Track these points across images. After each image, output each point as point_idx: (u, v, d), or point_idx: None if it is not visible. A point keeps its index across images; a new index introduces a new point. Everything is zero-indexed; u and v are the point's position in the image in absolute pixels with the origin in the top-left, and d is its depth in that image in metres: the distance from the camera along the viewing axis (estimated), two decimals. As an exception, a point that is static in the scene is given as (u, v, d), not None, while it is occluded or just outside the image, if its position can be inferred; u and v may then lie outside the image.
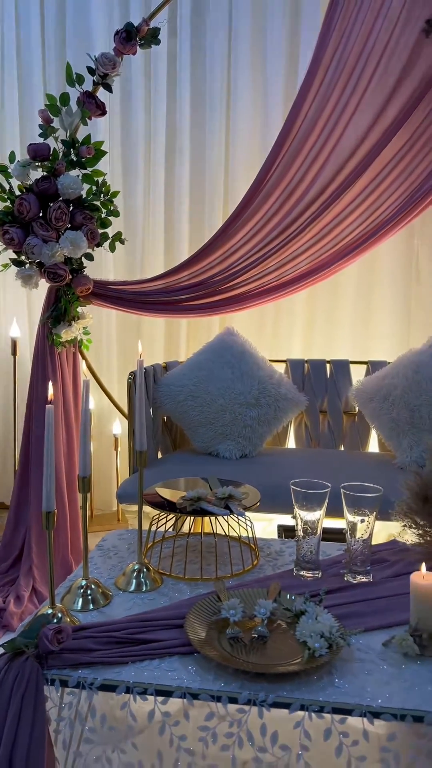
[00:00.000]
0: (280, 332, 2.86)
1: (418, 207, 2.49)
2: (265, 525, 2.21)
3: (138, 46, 2.41)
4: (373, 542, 1.44)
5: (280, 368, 2.57)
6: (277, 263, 2.59)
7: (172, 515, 1.45)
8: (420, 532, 1.49)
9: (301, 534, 1.40)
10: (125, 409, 2.66)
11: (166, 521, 1.49)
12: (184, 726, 1.01)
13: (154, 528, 1.51)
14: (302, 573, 1.39)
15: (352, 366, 2.55)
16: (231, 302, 2.63)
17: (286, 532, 2.13)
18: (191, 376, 2.38)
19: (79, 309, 2.44)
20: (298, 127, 2.44)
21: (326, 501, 1.38)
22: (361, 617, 1.22)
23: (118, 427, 2.85)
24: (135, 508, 2.97)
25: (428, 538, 1.48)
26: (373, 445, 2.52)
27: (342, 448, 2.51)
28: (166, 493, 1.54)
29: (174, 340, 3.00)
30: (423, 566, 1.13)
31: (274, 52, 2.74)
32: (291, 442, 2.58)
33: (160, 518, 1.51)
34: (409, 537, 1.50)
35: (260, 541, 1.59)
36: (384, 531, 2.29)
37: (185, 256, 2.77)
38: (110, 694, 1.02)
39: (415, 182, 2.48)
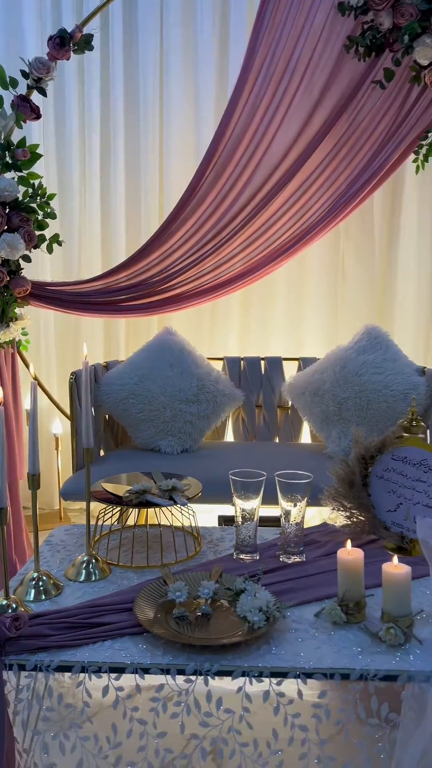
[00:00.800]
0: (217, 331, 2.97)
1: (343, 212, 2.65)
2: (206, 516, 2.32)
3: (71, 52, 2.45)
4: (306, 526, 1.57)
5: (218, 366, 2.67)
6: (213, 265, 2.69)
7: (119, 508, 1.53)
8: (347, 514, 1.63)
9: (240, 520, 1.51)
10: (65, 409, 2.70)
11: (113, 515, 1.56)
12: (137, 699, 1.10)
13: (100, 522, 1.58)
14: (241, 556, 1.50)
15: (284, 362, 2.68)
16: (169, 302, 2.71)
17: (225, 521, 2.25)
18: (132, 375, 2.45)
19: (17, 310, 2.46)
20: (229, 135, 2.55)
21: (262, 489, 1.49)
22: (295, 592, 1.34)
23: (59, 426, 2.88)
24: (77, 506, 3.03)
25: (355, 519, 1.63)
26: (305, 437, 2.67)
27: (277, 440, 2.65)
28: (111, 487, 1.62)
29: (113, 339, 3.06)
30: (348, 543, 1.26)
31: (205, 61, 2.84)
32: (229, 436, 2.70)
33: (106, 512, 1.58)
34: (338, 519, 1.65)
35: (202, 530, 1.69)
36: (318, 516, 2.45)
37: (123, 258, 2.83)
38: (66, 675, 1.09)
39: (340, 188, 2.63)
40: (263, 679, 1.08)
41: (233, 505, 1.50)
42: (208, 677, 1.08)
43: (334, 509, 1.63)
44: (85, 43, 2.50)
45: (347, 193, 2.62)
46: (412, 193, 2.83)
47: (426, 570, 1.28)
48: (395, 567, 1.17)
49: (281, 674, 1.08)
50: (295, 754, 1.08)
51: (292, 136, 2.58)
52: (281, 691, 1.08)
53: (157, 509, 1.54)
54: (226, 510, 2.30)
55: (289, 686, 1.09)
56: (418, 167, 2.61)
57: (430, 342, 2.88)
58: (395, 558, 1.19)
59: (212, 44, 2.83)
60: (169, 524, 1.60)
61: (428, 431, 2.32)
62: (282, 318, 2.93)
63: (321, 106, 2.57)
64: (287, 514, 1.50)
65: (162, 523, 1.62)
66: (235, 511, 1.50)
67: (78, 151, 2.93)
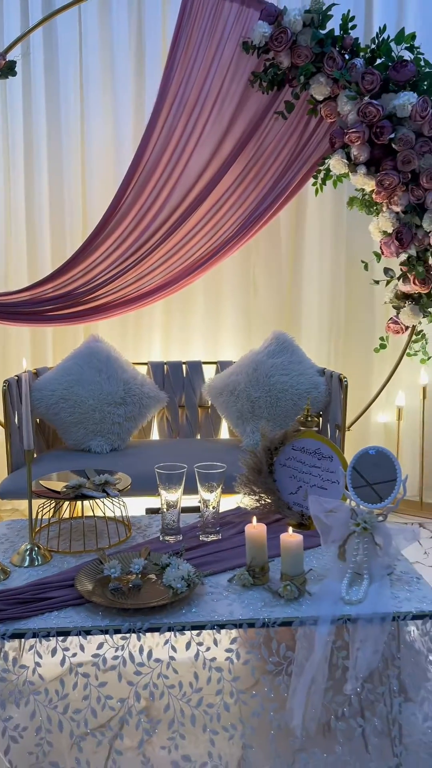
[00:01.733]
0: (141, 337, 3.18)
1: (253, 229, 2.93)
2: (134, 509, 2.53)
3: (-4, 78, 2.60)
4: (223, 509, 1.82)
5: (143, 370, 2.89)
6: (135, 277, 2.91)
7: (58, 502, 1.73)
8: (256, 497, 1.90)
9: (165, 507, 1.74)
10: (-2, 415, 2.84)
11: (51, 509, 1.76)
12: (81, 656, 1.31)
13: (40, 516, 1.77)
14: (167, 538, 1.74)
15: (204, 366, 2.94)
16: (94, 312, 2.90)
17: (152, 513, 2.47)
18: (61, 380, 2.63)
19: None
20: (147, 157, 2.77)
21: (183, 479, 1.73)
22: (212, 564, 1.59)
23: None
24: (9, 506, 3.16)
25: (263, 502, 1.90)
26: (224, 433, 2.94)
27: (198, 437, 2.90)
28: (49, 484, 1.81)
29: (40, 347, 3.21)
30: (254, 519, 1.53)
31: (123, 86, 3.03)
32: (155, 434, 2.92)
33: (45, 506, 1.77)
34: (249, 503, 1.91)
35: (132, 519, 1.91)
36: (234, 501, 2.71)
37: (49, 270, 2.99)
38: (19, 642, 1.29)
39: (249, 207, 2.91)
40: (185, 632, 1.32)
41: (159, 495, 1.73)
42: (140, 634, 1.31)
43: (245, 494, 1.90)
44: (8, 69, 2.65)
45: (256, 211, 2.90)
46: (313, 212, 3.16)
47: (318, 541, 1.56)
48: (290, 536, 1.44)
49: (200, 627, 1.32)
50: (213, 691, 1.33)
51: (205, 160, 2.83)
52: (200, 641, 1.33)
53: (91, 501, 1.75)
54: (153, 503, 2.52)
55: (207, 637, 1.34)
56: (317, 190, 2.93)
57: (332, 344, 3.22)
58: (290, 529, 1.47)
59: (129, 71, 3.04)
60: (102, 515, 1.81)
61: (328, 423, 2.65)
62: (201, 325, 3.18)
63: (230, 133, 2.83)
64: (205, 500, 1.75)
65: (96, 515, 1.83)
66: (161, 500, 1.74)
67: (3, 170, 3.06)
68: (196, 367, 2.92)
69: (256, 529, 1.49)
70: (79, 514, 1.86)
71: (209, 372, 2.94)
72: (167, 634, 1.32)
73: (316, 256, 3.17)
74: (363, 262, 3.06)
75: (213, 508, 1.75)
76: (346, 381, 2.51)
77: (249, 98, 2.82)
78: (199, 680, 1.33)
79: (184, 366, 2.93)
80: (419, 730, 1.44)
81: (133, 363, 2.86)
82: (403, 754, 1.41)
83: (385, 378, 3.15)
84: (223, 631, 1.34)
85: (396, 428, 3.34)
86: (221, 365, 2.93)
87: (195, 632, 1.33)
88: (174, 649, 1.32)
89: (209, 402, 2.86)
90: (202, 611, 1.36)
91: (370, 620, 1.34)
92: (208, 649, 1.33)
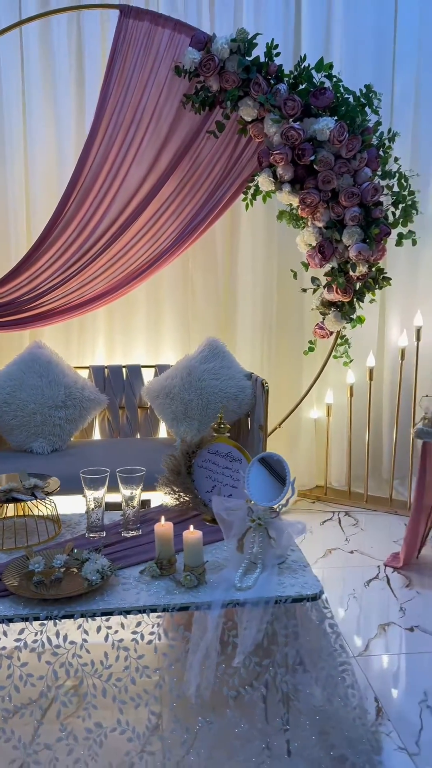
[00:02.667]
0: (85, 342, 3.34)
1: (190, 239, 3.12)
2: (76, 504, 2.73)
3: None
4: (151, 507, 2.03)
5: (85, 373, 3.07)
6: (78, 284, 3.07)
7: (-10, 504, 1.91)
8: (176, 496, 2.12)
9: (91, 506, 1.94)
10: None
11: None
12: (4, 641, 1.51)
13: (-23, 516, 1.96)
14: (91, 535, 1.94)
15: (143, 369, 3.13)
16: (38, 318, 3.07)
17: (111, 510, 2.67)
18: (4, 385, 2.79)
19: None
20: (88, 169, 2.91)
21: (106, 482, 1.93)
22: (130, 557, 1.80)
23: None
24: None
25: (182, 500, 2.12)
26: (162, 432, 3.14)
27: (138, 436, 3.11)
28: (-15, 487, 1.99)
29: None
30: (162, 518, 1.74)
31: (64, 96, 3.15)
32: (97, 434, 3.11)
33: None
34: (170, 501, 2.13)
35: (64, 517, 2.11)
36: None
37: (-7, 278, 3.12)
38: None
39: (186, 219, 3.10)
40: (96, 618, 1.54)
41: (84, 495, 1.93)
42: (57, 620, 1.52)
43: (166, 493, 2.11)
44: None
45: (192, 222, 3.09)
46: (247, 222, 3.35)
47: (213, 538, 1.79)
48: (191, 533, 1.66)
49: (108, 613, 1.54)
50: (121, 667, 1.55)
51: (143, 173, 3.00)
52: (109, 625, 1.54)
53: (24, 503, 1.94)
54: (110, 498, 2.72)
55: (115, 621, 1.55)
56: (247, 205, 3.14)
57: (264, 347, 3.44)
58: (191, 526, 1.69)
59: (70, 85, 3.16)
60: (33, 515, 2.01)
61: (253, 423, 2.88)
62: (143, 330, 3.37)
63: (166, 149, 3.01)
64: (127, 499, 1.96)
65: (28, 515, 2.02)
66: (86, 501, 1.94)
67: None
68: (135, 370, 3.11)
69: (163, 527, 1.70)
70: (13, 514, 2.04)
71: (150, 375, 3.14)
72: (81, 619, 1.53)
73: (250, 265, 3.37)
74: (292, 271, 3.28)
75: (133, 507, 1.96)
76: (267, 386, 2.74)
77: (183, 117, 2.99)
78: (108, 659, 1.55)
79: (124, 370, 3.12)
80: (312, 697, 1.69)
81: (76, 367, 3.04)
82: (291, 720, 1.66)
83: (314, 378, 3.40)
84: (129, 616, 1.55)
85: (326, 423, 3.60)
86: (160, 369, 3.13)
87: (105, 617, 1.54)
88: (86, 632, 1.53)
89: (148, 403, 3.06)
90: (112, 600, 1.58)
91: (256, 604, 1.57)
92: (116, 632, 1.54)
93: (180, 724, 1.59)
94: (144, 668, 1.55)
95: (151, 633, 1.56)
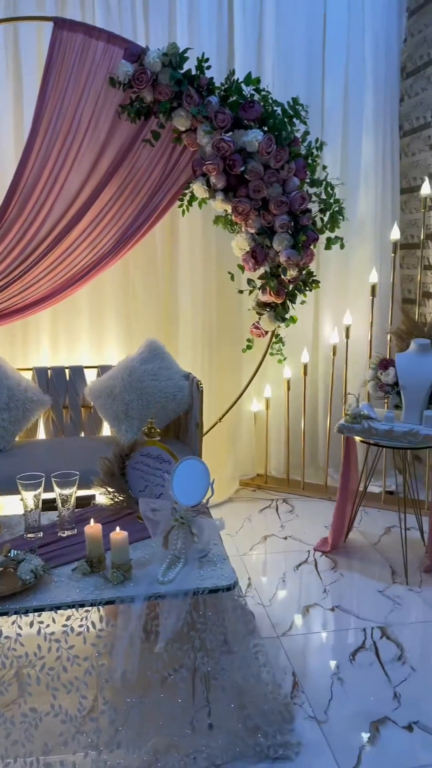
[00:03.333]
0: (29, 344, 3.43)
1: (130, 243, 3.23)
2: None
3: None
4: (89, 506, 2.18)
5: (29, 375, 3.18)
6: (21, 287, 3.16)
7: None
8: (111, 496, 2.27)
9: (29, 508, 2.08)
10: None
11: None
12: None
13: None
14: (29, 536, 2.08)
15: (86, 370, 3.26)
16: (-18, 322, 3.15)
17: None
18: None
19: None
20: (27, 176, 2.98)
21: (42, 485, 2.07)
22: (64, 556, 1.95)
23: None
24: None
25: (116, 499, 2.27)
26: (106, 430, 3.28)
27: (82, 434, 3.24)
28: None
29: None
30: (92, 520, 1.90)
31: (1, 112, 3.20)
32: (41, 434, 3.23)
33: None
34: (105, 500, 2.28)
35: (4, 519, 2.24)
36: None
37: None
38: None
39: (125, 223, 3.21)
40: (29, 614, 1.69)
41: (21, 499, 2.07)
42: (-8, 618, 1.67)
43: (101, 494, 2.27)
44: None
45: (132, 227, 3.20)
46: (185, 225, 3.48)
47: (143, 535, 1.95)
48: (117, 534, 1.82)
49: (40, 609, 1.69)
50: (53, 657, 1.71)
51: (82, 179, 3.09)
52: (41, 620, 1.70)
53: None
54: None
55: (47, 615, 1.71)
56: (183, 211, 3.26)
57: (205, 346, 3.60)
58: (118, 528, 1.85)
59: (8, 93, 3.21)
60: (-24, 517, 2.14)
61: (190, 422, 3.04)
62: (86, 331, 3.48)
63: (104, 156, 3.10)
64: (62, 500, 2.10)
65: (-30, 517, 2.15)
66: (23, 503, 2.07)
67: None
68: (78, 371, 3.23)
69: (92, 528, 1.86)
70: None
71: (94, 375, 3.26)
72: (14, 616, 1.68)
73: (189, 267, 3.50)
74: (229, 273, 3.43)
75: (68, 508, 2.10)
76: (202, 387, 2.90)
77: (120, 125, 3.08)
78: (41, 650, 1.71)
79: (67, 371, 3.23)
80: (229, 676, 1.88)
81: (20, 369, 3.14)
82: (211, 697, 1.85)
83: (252, 373, 3.57)
84: (60, 611, 1.71)
85: (265, 416, 3.79)
86: (102, 369, 3.26)
87: (37, 613, 1.70)
88: (20, 627, 1.69)
89: (91, 403, 3.19)
90: (45, 597, 1.73)
91: (175, 596, 1.75)
92: (48, 626, 1.70)
93: (109, 706, 1.77)
94: (74, 657, 1.72)
95: (80, 626, 1.72)
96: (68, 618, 1.73)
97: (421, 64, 3.67)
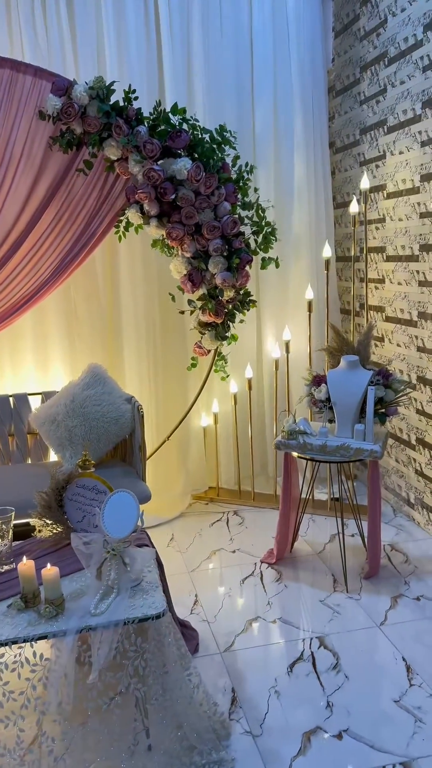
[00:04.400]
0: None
1: (69, 268, 3.28)
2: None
3: None
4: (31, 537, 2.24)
5: (-26, 404, 3.21)
6: (-38, 317, 3.19)
7: None
8: (50, 528, 2.33)
9: (-33, 547, 2.13)
10: None
11: None
12: None
13: None
14: (-32, 572, 2.13)
15: (31, 397, 3.30)
16: None
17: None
18: None
19: None
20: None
21: (-21, 523, 2.12)
22: (1, 592, 2.01)
23: None
24: None
25: (55, 531, 2.33)
26: (53, 456, 3.33)
27: (29, 461, 3.28)
28: None
29: None
30: (24, 557, 1.96)
31: None
32: (-11, 462, 3.27)
33: None
34: (45, 533, 2.34)
35: None
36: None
37: None
38: None
39: (64, 250, 3.26)
40: (-37, 654, 1.75)
41: (-41, 537, 2.12)
42: None
43: (40, 526, 2.33)
44: None
45: (70, 253, 3.26)
46: (125, 248, 3.55)
47: (80, 566, 2.02)
48: (48, 570, 1.89)
49: (-26, 649, 1.75)
50: (-11, 694, 1.77)
51: (18, 208, 3.13)
52: (-24, 659, 1.76)
53: None
54: None
55: (-17, 655, 1.77)
56: (120, 237, 3.33)
57: (150, 365, 3.67)
58: (49, 564, 1.91)
59: None
60: None
61: (137, 446, 3.11)
62: (31, 358, 3.52)
63: (39, 185, 3.14)
64: (0, 536, 2.15)
65: None
66: (-39, 542, 2.12)
67: None
68: (22, 399, 3.28)
69: (25, 566, 1.92)
70: None
71: (38, 402, 3.31)
72: None
73: (130, 289, 3.57)
74: (170, 294, 3.51)
75: (5, 544, 2.16)
76: (142, 411, 2.98)
77: (53, 155, 3.13)
78: (-24, 688, 1.77)
79: (11, 399, 3.27)
80: (165, 699, 1.96)
81: (-36, 399, 3.17)
82: (151, 721, 1.93)
83: (198, 391, 3.66)
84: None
85: (214, 430, 3.88)
86: (46, 395, 3.31)
87: (-29, 653, 1.75)
88: None
89: (36, 430, 3.24)
90: (-22, 636, 1.79)
91: (107, 626, 1.82)
92: (-19, 664, 1.76)
93: (47, 737, 1.83)
94: (10, 693, 1.78)
95: (14, 662, 1.78)
96: (2, 655, 1.79)
97: (348, 84, 3.80)
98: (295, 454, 2.91)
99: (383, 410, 2.84)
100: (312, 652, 2.43)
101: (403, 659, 2.35)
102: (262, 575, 3.02)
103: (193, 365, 3.58)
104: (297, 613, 2.70)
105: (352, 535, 3.35)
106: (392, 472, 3.72)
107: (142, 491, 2.85)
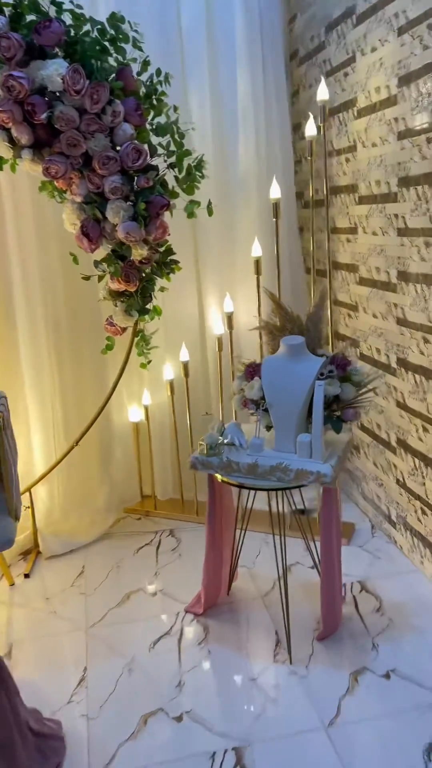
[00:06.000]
0: None
1: None
2: None
3: None
4: None
5: None
6: None
7: None
8: None
9: None
10: None
11: None
12: None
13: None
14: None
15: None
16: None
17: None
18: None
19: None
20: None
21: None
22: None
23: None
24: None
25: None
26: None
27: None
28: None
29: None
30: None
31: None
32: None
33: None
34: None
35: None
36: None
37: None
38: None
39: None
40: None
41: None
42: None
43: None
44: None
45: None
46: (8, 198, 2.69)
47: None
48: None
49: None
50: None
51: None
52: None
53: None
54: None
55: None
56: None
57: (52, 348, 2.84)
58: None
59: None
60: None
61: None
62: None
63: None
64: None
65: None
66: None
67: None
68: None
69: None
70: None
71: None
72: None
73: (18, 248, 2.70)
74: (71, 254, 2.65)
75: None
76: (1, 409, 2.17)
77: None
78: None
79: None
80: None
81: None
82: None
83: (115, 379, 2.83)
84: None
85: (146, 427, 3.08)
86: None
87: None
88: None
89: None
90: None
91: None
92: None
93: None
94: None
95: None
96: None
97: (310, -34, 2.84)
98: (218, 476, 2.09)
99: (338, 413, 2.01)
100: (223, 777, 1.67)
101: (353, 795, 1.58)
102: (181, 634, 2.25)
103: (109, 348, 2.74)
104: (214, 704, 1.93)
105: (313, 567, 2.56)
106: (370, 478, 2.90)
107: None
